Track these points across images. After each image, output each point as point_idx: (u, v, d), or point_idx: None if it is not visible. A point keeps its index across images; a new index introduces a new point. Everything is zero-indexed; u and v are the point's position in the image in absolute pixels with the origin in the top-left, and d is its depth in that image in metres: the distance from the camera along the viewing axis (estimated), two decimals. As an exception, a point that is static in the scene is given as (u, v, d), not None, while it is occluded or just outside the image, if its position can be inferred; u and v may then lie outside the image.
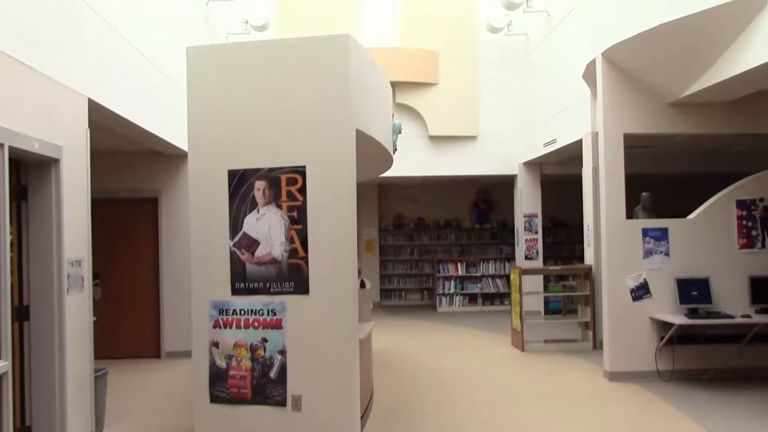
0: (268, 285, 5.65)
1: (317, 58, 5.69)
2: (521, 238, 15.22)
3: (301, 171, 5.62)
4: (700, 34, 7.16)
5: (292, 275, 5.63)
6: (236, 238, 5.71)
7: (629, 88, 8.71)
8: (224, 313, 5.69)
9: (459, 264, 16.91)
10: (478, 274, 16.87)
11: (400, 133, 8.51)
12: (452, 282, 16.81)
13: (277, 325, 5.63)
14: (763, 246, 8.59)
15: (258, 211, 5.68)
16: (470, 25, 15.14)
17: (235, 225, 5.71)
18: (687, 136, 9.12)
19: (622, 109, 8.72)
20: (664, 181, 14.88)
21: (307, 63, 5.68)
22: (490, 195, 18.64)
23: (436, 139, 15.15)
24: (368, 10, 15.07)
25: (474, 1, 15.18)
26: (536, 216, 15.20)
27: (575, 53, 10.63)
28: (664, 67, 8.16)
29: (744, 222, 8.61)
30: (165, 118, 8.61)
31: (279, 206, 5.65)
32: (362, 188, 16.65)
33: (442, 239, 18.62)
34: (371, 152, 7.09)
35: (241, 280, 5.68)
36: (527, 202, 15.20)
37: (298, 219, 5.63)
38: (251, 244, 5.68)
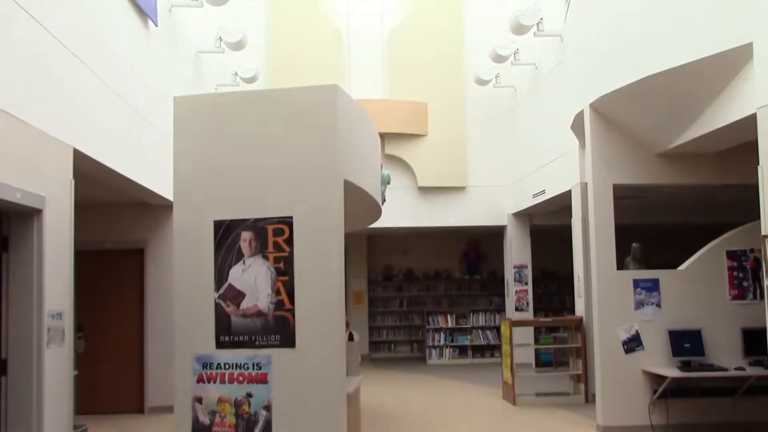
0: (253, 338, 5.52)
1: (304, 108, 5.67)
2: (511, 289, 15.13)
3: (288, 222, 5.55)
4: (687, 85, 7.20)
5: (278, 328, 5.50)
6: (221, 290, 5.60)
7: (617, 138, 8.74)
8: (208, 367, 5.54)
9: (449, 315, 16.76)
10: (468, 326, 16.71)
11: (388, 183, 8.49)
12: (442, 334, 16.64)
13: (263, 380, 5.48)
14: (755, 297, 8.52)
15: (244, 263, 5.58)
16: (459, 77, 15.27)
17: (221, 276, 5.61)
18: (675, 186, 9.13)
19: (610, 159, 8.74)
20: (654, 231, 14.87)
21: (294, 113, 5.66)
22: (479, 246, 18.58)
23: (425, 190, 15.16)
24: (357, 62, 15.19)
25: (462, 54, 15.32)
26: (526, 267, 15.15)
27: (563, 104, 10.70)
28: (652, 118, 8.20)
29: (735, 273, 8.56)
30: (152, 169, 8.55)
31: (265, 257, 5.56)
32: (351, 239, 16.59)
33: (431, 290, 18.47)
34: (360, 203, 7.03)
35: (226, 333, 5.55)
36: (517, 252, 15.17)
37: (284, 270, 5.53)
38: (236, 295, 5.57)
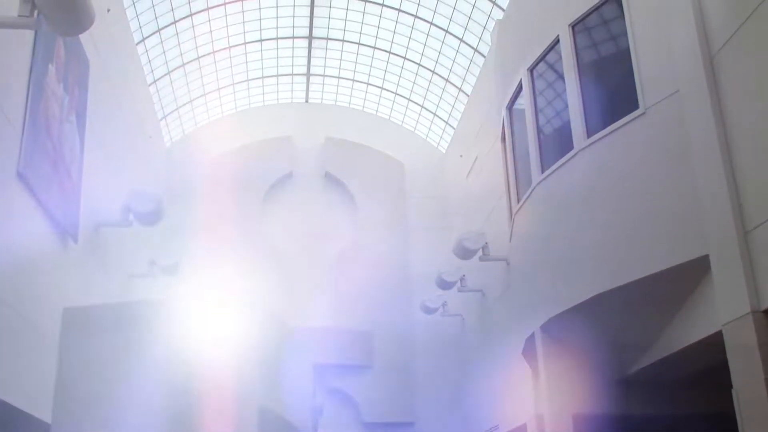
0: None
1: (221, 323, 4.95)
2: None
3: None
4: (643, 301, 6.83)
5: None
6: None
7: (573, 363, 8.14)
8: None
9: None
10: None
11: (321, 415, 7.61)
12: None
13: None
14: None
15: None
16: (405, 304, 14.90)
17: None
18: (641, 417, 8.38)
19: (567, 387, 8.10)
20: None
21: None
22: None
23: (370, 427, 14.16)
24: (301, 288, 14.66)
25: (408, 280, 15.07)
26: None
27: (512, 330, 10.17)
28: (608, 340, 7.72)
29: None
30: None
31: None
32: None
33: None
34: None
35: None
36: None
37: None
38: None
